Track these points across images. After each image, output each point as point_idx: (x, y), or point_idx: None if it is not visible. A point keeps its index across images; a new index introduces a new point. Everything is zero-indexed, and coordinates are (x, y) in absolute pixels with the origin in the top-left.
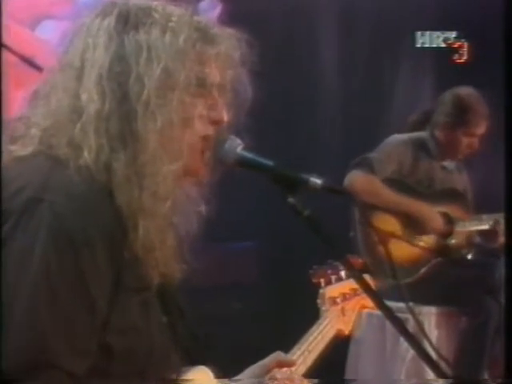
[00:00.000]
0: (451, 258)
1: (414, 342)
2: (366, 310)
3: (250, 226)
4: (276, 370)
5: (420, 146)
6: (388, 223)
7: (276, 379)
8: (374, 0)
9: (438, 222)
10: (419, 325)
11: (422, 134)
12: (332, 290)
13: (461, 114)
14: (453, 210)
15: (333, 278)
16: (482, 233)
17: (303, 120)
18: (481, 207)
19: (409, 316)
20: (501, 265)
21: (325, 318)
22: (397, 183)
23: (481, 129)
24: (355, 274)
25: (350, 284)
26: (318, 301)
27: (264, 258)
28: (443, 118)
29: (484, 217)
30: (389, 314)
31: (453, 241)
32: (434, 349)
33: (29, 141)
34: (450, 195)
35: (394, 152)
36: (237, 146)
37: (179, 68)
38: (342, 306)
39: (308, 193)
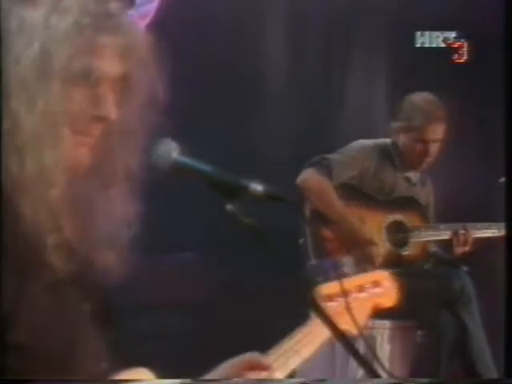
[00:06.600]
0: (406, 269)
1: (364, 361)
2: None
3: (189, 236)
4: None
5: (384, 154)
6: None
7: None
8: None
9: (371, 261)
10: (367, 342)
11: (387, 141)
12: (329, 287)
13: (412, 119)
14: (409, 218)
15: (331, 274)
16: (440, 243)
17: (249, 123)
18: (439, 217)
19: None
20: (461, 275)
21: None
22: (353, 189)
23: (434, 134)
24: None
25: (353, 281)
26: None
27: (204, 270)
28: (398, 123)
29: (441, 226)
30: (338, 333)
31: (407, 251)
32: (384, 368)
33: None
34: (408, 203)
35: (359, 157)
36: (172, 151)
37: (60, 53)
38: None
39: (249, 200)
